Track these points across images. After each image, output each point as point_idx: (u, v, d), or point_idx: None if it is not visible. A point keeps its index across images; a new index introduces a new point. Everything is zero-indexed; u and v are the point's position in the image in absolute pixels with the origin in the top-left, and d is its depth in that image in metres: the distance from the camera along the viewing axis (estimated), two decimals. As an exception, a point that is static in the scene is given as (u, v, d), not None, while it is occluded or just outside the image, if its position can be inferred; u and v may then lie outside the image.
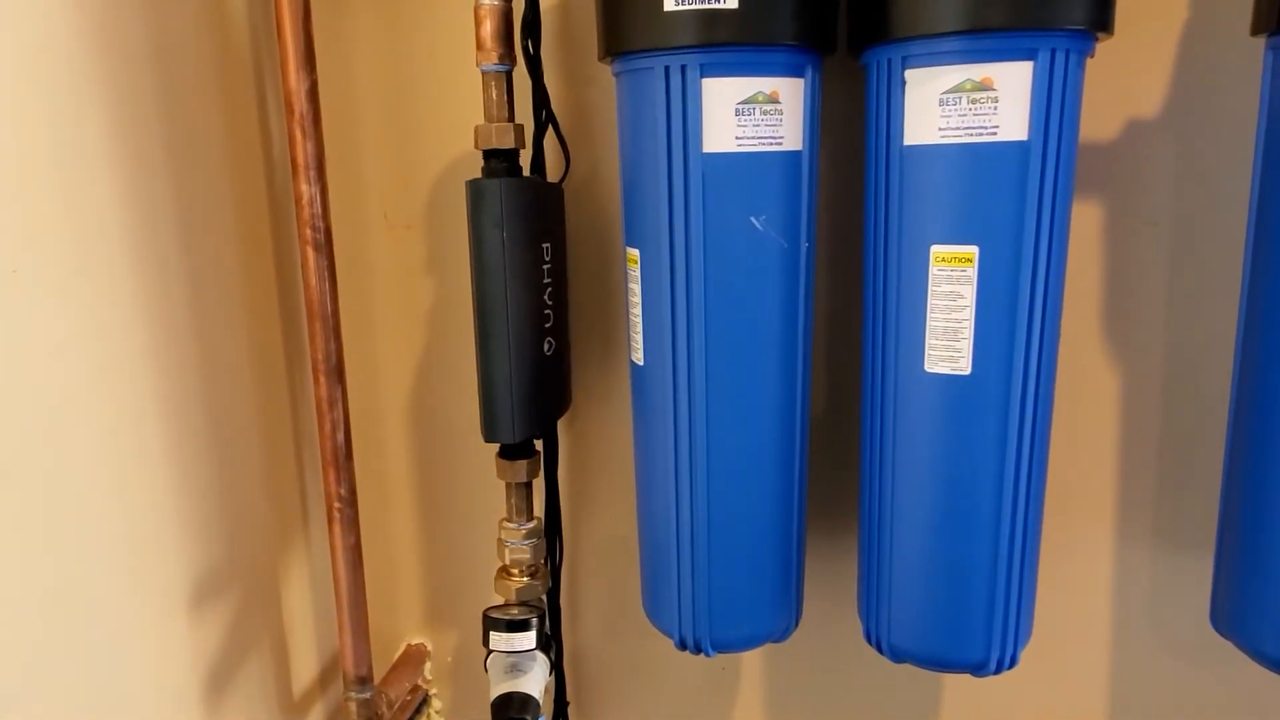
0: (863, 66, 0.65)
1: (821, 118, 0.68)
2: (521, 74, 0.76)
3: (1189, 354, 0.78)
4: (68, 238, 0.60)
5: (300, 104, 0.73)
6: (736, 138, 0.63)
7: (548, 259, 0.74)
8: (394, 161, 0.88)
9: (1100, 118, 0.74)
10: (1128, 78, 0.73)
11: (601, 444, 0.90)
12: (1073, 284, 0.74)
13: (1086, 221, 0.76)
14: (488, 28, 0.69)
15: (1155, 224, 0.76)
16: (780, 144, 0.64)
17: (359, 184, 0.89)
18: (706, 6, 0.59)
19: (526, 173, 0.80)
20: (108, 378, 0.64)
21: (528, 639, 0.80)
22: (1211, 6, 0.73)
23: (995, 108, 0.59)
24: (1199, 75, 0.73)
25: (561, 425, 0.89)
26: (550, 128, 0.81)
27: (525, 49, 0.79)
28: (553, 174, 0.83)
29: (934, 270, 0.62)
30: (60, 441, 0.60)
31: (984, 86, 0.59)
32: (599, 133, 0.83)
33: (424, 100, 0.85)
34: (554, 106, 0.81)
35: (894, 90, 0.62)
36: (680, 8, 0.60)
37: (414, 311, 0.91)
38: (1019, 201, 0.60)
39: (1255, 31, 0.63)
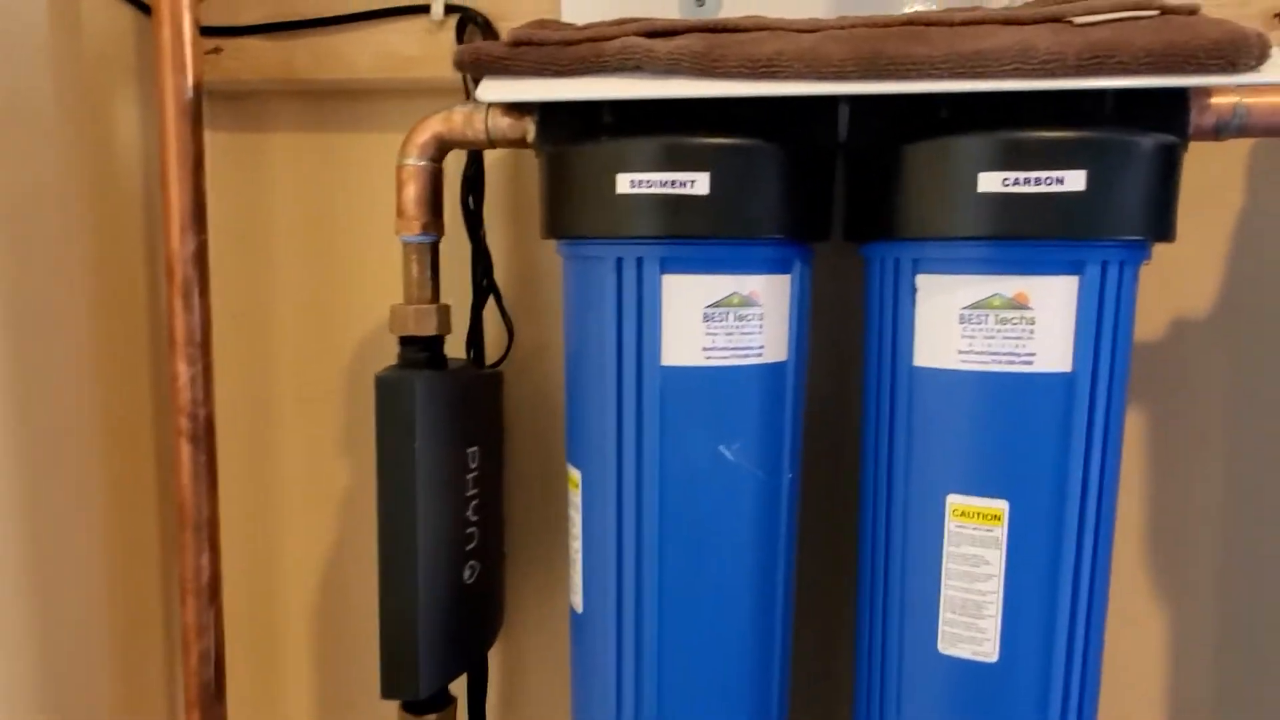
0: (862, 257, 0.54)
1: (815, 310, 0.56)
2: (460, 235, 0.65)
3: (1245, 593, 0.64)
4: None
5: (183, 269, 0.60)
6: (704, 349, 0.50)
7: (474, 466, 0.61)
8: (310, 325, 0.75)
9: (1143, 319, 0.62)
10: (1173, 271, 0.62)
11: (544, 677, 0.74)
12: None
13: (1127, 438, 0.64)
14: (410, 192, 0.57)
15: (1205, 440, 0.64)
16: (759, 355, 0.51)
17: (266, 349, 0.76)
18: (669, 191, 0.47)
19: (460, 353, 0.67)
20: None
21: None
22: (1273, 191, 0.62)
23: (1031, 330, 0.46)
24: (1255, 270, 0.62)
25: (494, 654, 0.74)
26: (491, 298, 0.68)
27: (465, 204, 0.67)
28: (494, 350, 0.70)
29: (951, 527, 0.49)
30: None
31: (1017, 304, 0.46)
32: (551, 302, 0.70)
33: (347, 257, 0.73)
34: (498, 272, 0.69)
35: (902, 297, 0.50)
36: (636, 190, 0.48)
37: (326, 497, 0.76)
38: (1061, 447, 0.47)
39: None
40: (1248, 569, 0.65)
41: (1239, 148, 0.62)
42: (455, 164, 0.68)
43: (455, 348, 0.68)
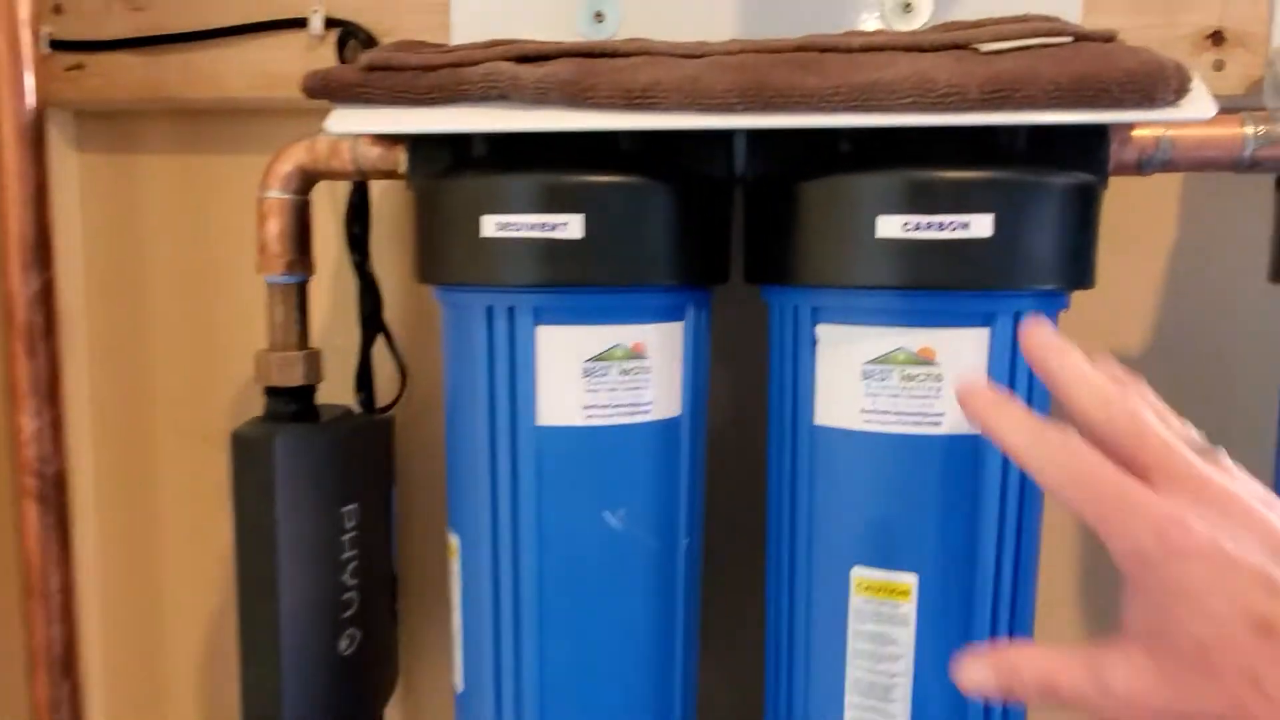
0: (763, 301, 0.49)
1: (723, 354, 0.51)
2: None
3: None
4: None
5: (25, 311, 0.54)
6: (585, 407, 0.45)
7: (352, 525, 0.55)
8: (191, 362, 0.69)
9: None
10: (1102, 313, 0.58)
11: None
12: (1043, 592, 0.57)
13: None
14: (272, 228, 0.52)
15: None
16: (648, 412, 0.46)
17: (142, 389, 0.70)
18: (539, 235, 0.42)
19: (350, 397, 0.62)
20: None
21: None
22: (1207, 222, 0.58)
23: (939, 388, 0.42)
24: (1190, 307, 0.58)
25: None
26: (381, 336, 0.63)
27: (350, 232, 0.62)
28: (389, 391, 0.64)
29: (856, 602, 0.44)
30: None
31: (923, 359, 0.42)
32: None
33: (228, 287, 0.68)
34: (390, 307, 0.63)
35: (801, 348, 0.45)
36: (503, 234, 0.43)
37: (211, 550, 0.70)
38: (973, 516, 0.43)
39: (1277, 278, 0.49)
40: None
41: (1170, 177, 0.58)
42: (344, 189, 0.63)
43: (346, 390, 0.63)
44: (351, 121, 0.43)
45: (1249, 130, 0.43)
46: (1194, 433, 0.32)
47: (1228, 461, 0.30)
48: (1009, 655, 0.31)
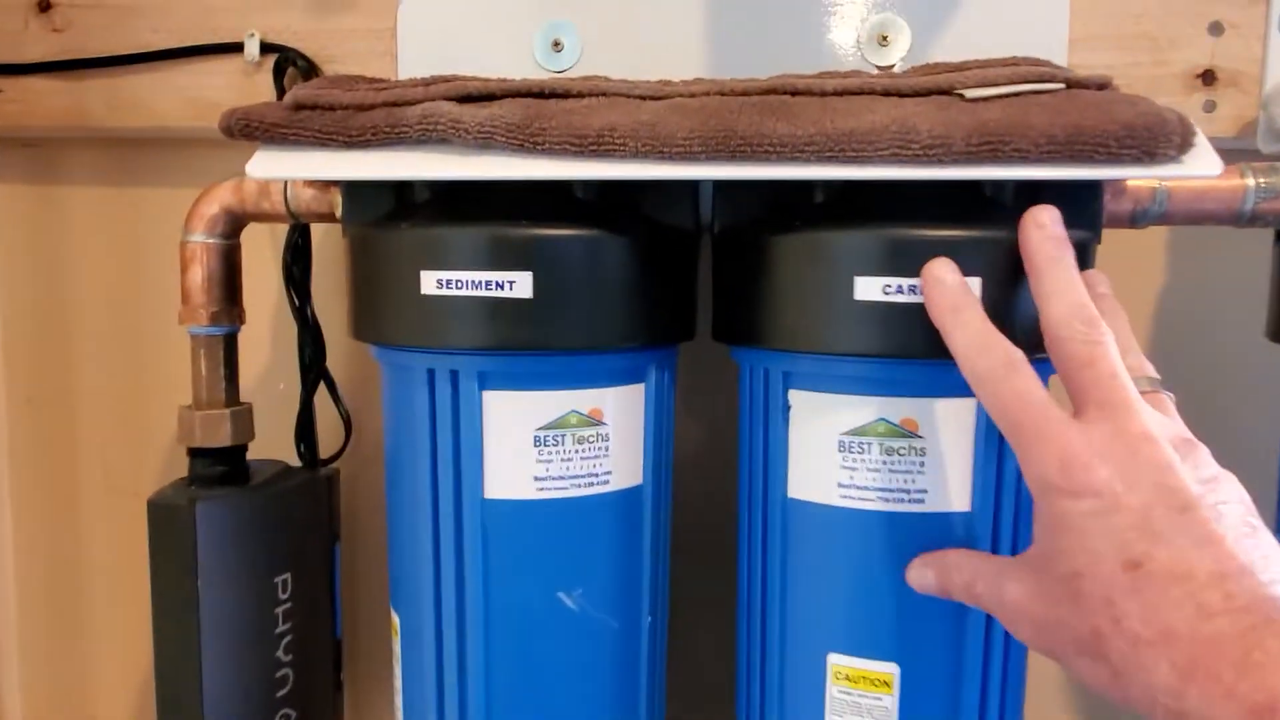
0: (733, 360, 0.45)
1: (695, 411, 0.47)
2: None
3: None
4: None
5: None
6: (536, 478, 0.41)
7: (286, 596, 0.51)
8: (121, 409, 0.64)
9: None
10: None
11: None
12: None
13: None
14: (196, 276, 0.47)
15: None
16: (606, 483, 0.42)
17: (68, 439, 0.65)
18: (485, 294, 0.38)
19: (289, 450, 0.57)
20: None
21: None
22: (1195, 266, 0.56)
23: (922, 463, 0.38)
24: (1177, 350, 0.55)
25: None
26: (323, 384, 0.59)
27: (290, 279, 0.57)
28: (335, 441, 0.60)
29: (833, 693, 0.40)
30: None
31: (906, 431, 0.38)
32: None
33: (161, 328, 0.63)
34: (335, 354, 0.59)
35: (773, 415, 0.41)
36: (445, 292, 0.39)
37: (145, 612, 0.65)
38: (957, 602, 0.39)
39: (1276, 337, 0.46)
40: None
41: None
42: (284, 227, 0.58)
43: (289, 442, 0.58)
44: (275, 165, 0.39)
45: (1250, 182, 0.40)
46: (1149, 369, 0.35)
47: (1169, 405, 0.33)
48: (947, 557, 0.36)
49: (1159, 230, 0.55)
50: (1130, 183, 0.40)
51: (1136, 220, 0.41)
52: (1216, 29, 0.50)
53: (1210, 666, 0.26)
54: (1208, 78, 0.50)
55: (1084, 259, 0.39)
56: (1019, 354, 0.33)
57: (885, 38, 0.50)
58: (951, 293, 0.34)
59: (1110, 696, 0.29)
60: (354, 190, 0.43)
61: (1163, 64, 0.50)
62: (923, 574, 0.37)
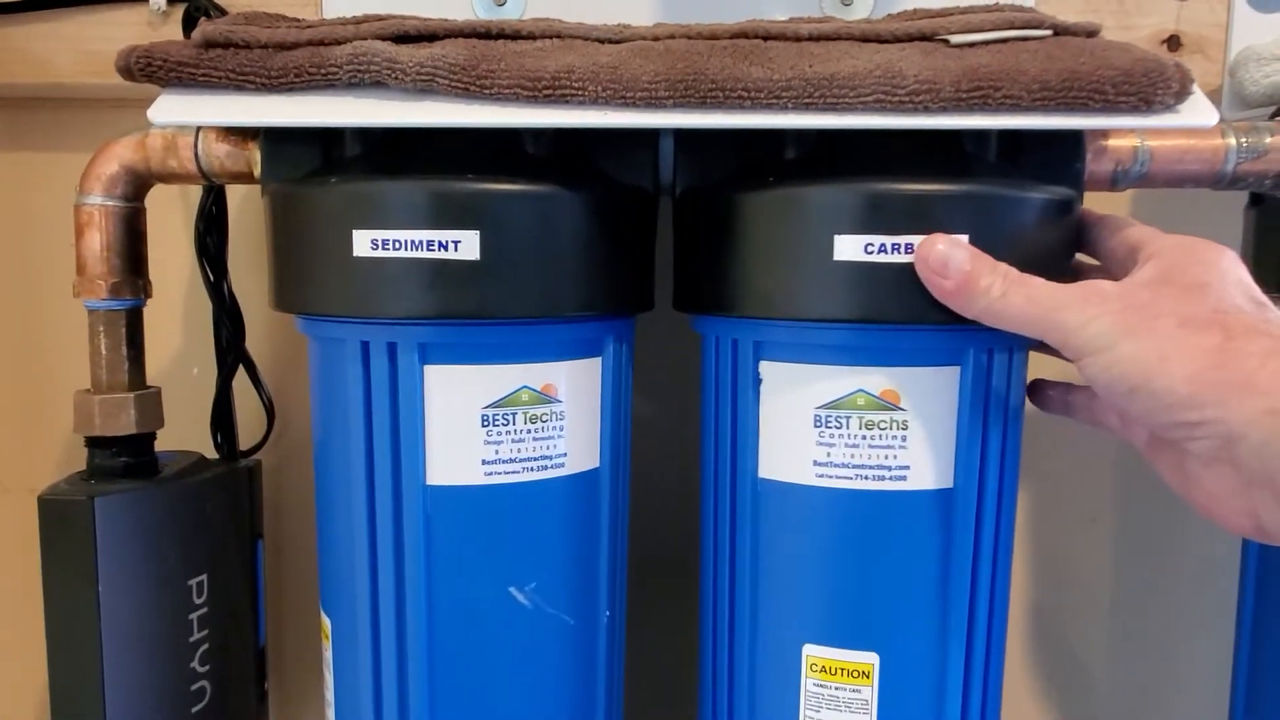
0: (696, 333, 0.42)
1: (656, 387, 0.44)
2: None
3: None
4: None
5: None
6: (484, 461, 0.37)
7: (202, 600, 0.46)
8: (12, 392, 0.58)
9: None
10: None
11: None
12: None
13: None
14: (92, 242, 0.42)
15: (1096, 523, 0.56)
16: (561, 466, 0.38)
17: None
18: (425, 255, 0.34)
19: (205, 441, 0.52)
20: None
21: None
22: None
23: (904, 437, 0.36)
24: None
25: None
26: (242, 368, 0.54)
27: (204, 249, 0.52)
28: (256, 431, 0.55)
29: (809, 686, 0.38)
30: None
31: (886, 403, 0.36)
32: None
33: (57, 306, 0.57)
34: (256, 334, 0.54)
35: (742, 389, 0.38)
36: (380, 254, 0.34)
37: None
38: (942, 585, 0.37)
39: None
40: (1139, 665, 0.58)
41: (1120, 198, 0.54)
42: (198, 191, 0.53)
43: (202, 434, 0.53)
44: (182, 110, 0.34)
45: (1232, 141, 0.38)
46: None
47: None
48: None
49: (1121, 198, 0.54)
50: (1112, 142, 0.38)
51: (1117, 182, 0.39)
52: (1183, -8, 0.48)
53: None
54: (1173, 43, 0.49)
55: (1071, 221, 0.37)
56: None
57: (848, -5, 0.48)
58: (965, 287, 0.33)
59: (1195, 366, 0.29)
60: (274, 144, 0.38)
61: (1129, 28, 0.49)
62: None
